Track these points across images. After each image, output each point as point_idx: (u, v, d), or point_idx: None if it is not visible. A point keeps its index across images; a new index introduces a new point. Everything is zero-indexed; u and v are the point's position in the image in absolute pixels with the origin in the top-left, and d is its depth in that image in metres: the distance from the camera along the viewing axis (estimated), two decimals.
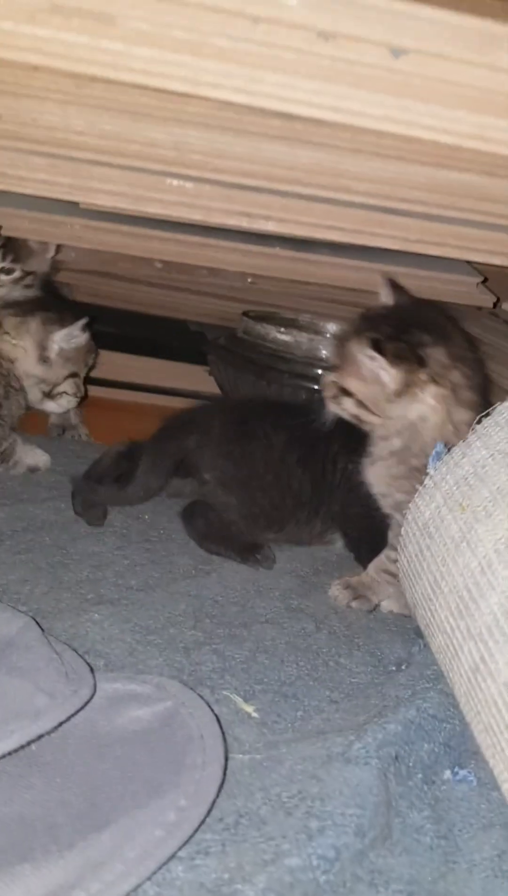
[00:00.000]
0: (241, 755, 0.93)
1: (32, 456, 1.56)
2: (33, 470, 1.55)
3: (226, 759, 0.85)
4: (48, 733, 0.82)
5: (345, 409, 1.19)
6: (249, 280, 1.72)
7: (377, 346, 1.12)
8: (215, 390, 1.99)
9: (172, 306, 2.05)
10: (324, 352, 1.81)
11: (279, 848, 0.78)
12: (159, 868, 0.73)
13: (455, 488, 1.00)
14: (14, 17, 0.73)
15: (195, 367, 2.13)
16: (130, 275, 1.88)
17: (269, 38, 0.76)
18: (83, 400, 1.75)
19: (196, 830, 0.77)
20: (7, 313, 1.62)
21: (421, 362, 1.13)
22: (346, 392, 1.18)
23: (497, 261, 1.24)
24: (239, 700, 1.03)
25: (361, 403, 1.17)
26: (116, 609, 1.16)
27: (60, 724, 0.82)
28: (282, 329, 1.80)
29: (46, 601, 1.15)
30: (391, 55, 0.77)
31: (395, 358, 1.12)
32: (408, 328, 1.16)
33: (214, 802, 0.80)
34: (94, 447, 1.80)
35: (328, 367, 1.24)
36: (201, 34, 0.74)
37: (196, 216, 1.12)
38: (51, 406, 1.68)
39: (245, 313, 1.90)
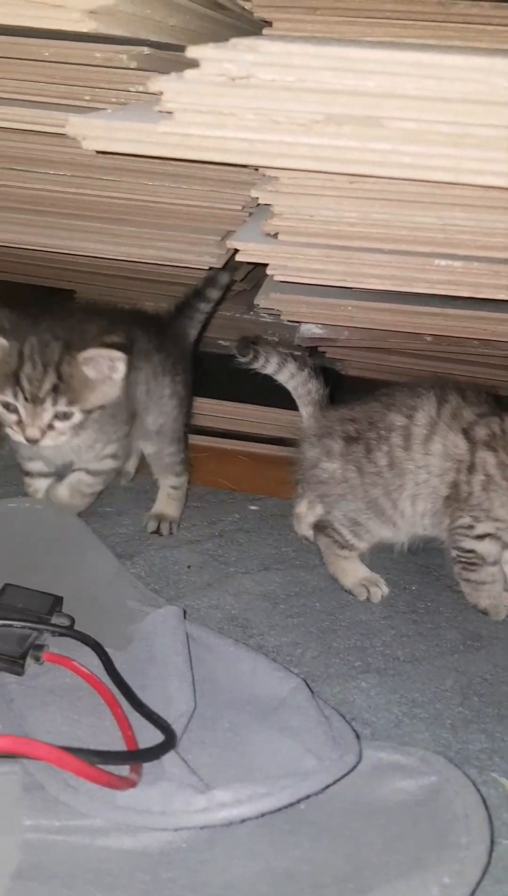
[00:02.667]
0: None
1: None
2: None
3: (492, 842, 0.83)
4: (315, 794, 0.85)
5: None
6: None
7: None
8: None
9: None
10: None
11: None
12: None
13: None
14: (294, 131, 0.82)
15: None
16: (400, 348, 1.93)
17: None
18: None
19: None
20: None
21: None
22: None
23: None
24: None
25: None
26: (383, 679, 1.17)
27: (327, 786, 0.85)
28: None
29: (316, 665, 1.19)
30: None
31: None
32: None
33: (478, 884, 0.78)
34: None
35: None
36: (464, 126, 0.78)
37: (464, 293, 1.14)
38: None
39: None
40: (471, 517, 1.33)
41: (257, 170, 1.11)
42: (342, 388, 2.19)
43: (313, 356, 2.26)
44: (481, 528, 1.34)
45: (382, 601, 1.39)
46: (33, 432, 1.22)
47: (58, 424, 1.24)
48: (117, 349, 1.23)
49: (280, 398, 1.65)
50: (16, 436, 1.24)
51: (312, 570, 1.48)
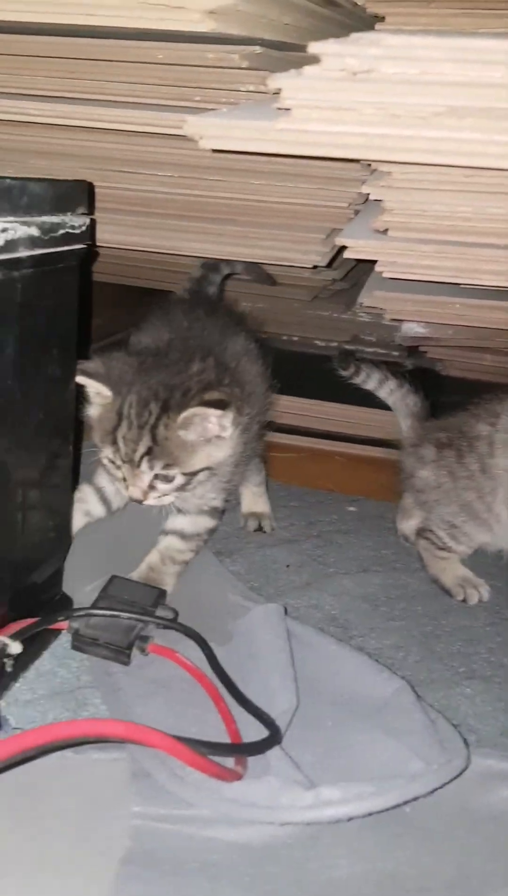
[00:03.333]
0: None
1: None
2: None
3: None
4: (422, 797, 0.84)
5: None
6: None
7: None
8: None
9: None
10: None
11: None
12: None
13: None
14: (414, 125, 0.81)
15: None
16: (506, 348, 1.89)
17: None
18: None
19: None
20: None
21: None
22: None
23: None
24: None
25: None
26: (489, 686, 1.15)
27: (434, 790, 0.84)
28: None
29: (419, 669, 1.17)
30: None
31: None
32: None
33: None
34: None
35: None
36: None
37: None
38: None
39: None
40: None
41: (368, 165, 1.10)
42: (442, 389, 2.16)
43: (414, 356, 2.24)
44: None
45: (486, 607, 1.37)
46: (135, 492, 1.14)
47: (160, 486, 1.14)
48: (217, 406, 1.11)
49: (378, 399, 1.64)
50: (123, 492, 1.17)
51: (412, 574, 1.46)
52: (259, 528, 1.54)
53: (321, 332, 2.35)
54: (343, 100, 0.80)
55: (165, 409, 1.11)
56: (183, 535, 1.27)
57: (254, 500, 1.57)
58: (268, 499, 1.59)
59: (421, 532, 1.46)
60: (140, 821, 0.84)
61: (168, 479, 1.14)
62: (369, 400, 1.91)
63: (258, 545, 1.49)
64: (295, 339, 2.38)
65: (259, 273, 1.75)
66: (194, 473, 1.15)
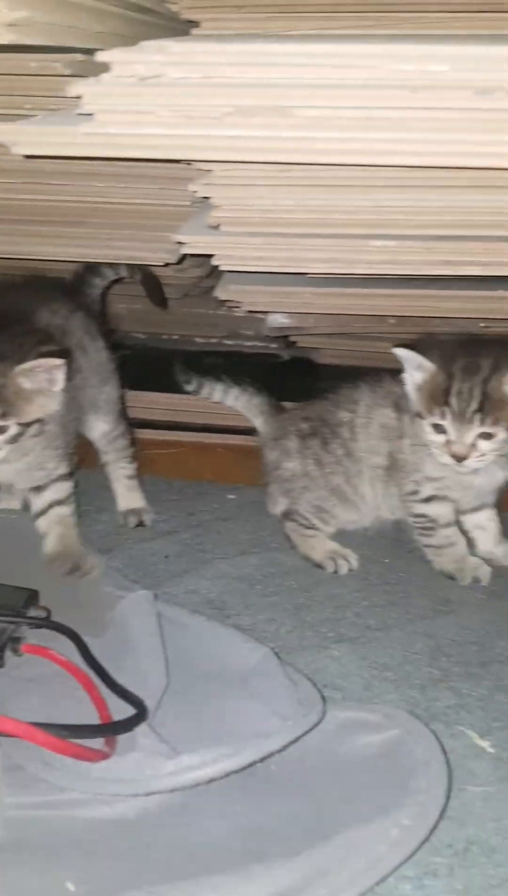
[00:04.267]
0: (474, 787, 0.94)
1: None
2: None
3: (450, 784, 0.87)
4: (279, 752, 0.89)
5: None
6: (481, 325, 1.73)
7: None
8: None
9: None
10: None
11: None
12: (382, 880, 0.78)
13: None
14: (207, 125, 0.86)
15: None
16: (368, 333, 1.96)
17: (430, 103, 0.82)
18: None
19: (417, 849, 0.80)
20: None
21: None
22: None
23: None
24: (474, 735, 1.04)
25: None
26: (355, 647, 1.21)
27: (289, 744, 0.90)
28: None
29: (290, 638, 1.23)
30: None
31: None
32: None
33: (436, 823, 0.83)
34: None
35: None
36: (367, 110, 0.82)
37: (402, 271, 1.18)
38: None
39: None
40: (413, 482, 1.40)
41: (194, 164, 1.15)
42: (317, 376, 2.23)
43: (288, 347, 2.31)
44: (424, 492, 1.40)
45: (355, 574, 1.43)
46: None
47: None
48: (59, 356, 1.20)
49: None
50: None
51: (288, 552, 1.51)
52: (140, 524, 1.57)
53: (199, 328, 2.37)
54: (140, 103, 0.84)
55: (3, 358, 1.18)
56: (59, 502, 1.39)
57: (129, 495, 1.61)
58: (143, 493, 1.63)
59: (287, 515, 1.52)
60: (13, 811, 0.86)
61: (2, 430, 1.20)
62: None
63: (137, 539, 1.52)
64: (175, 337, 2.41)
65: (153, 288, 1.73)
66: (29, 424, 1.22)
